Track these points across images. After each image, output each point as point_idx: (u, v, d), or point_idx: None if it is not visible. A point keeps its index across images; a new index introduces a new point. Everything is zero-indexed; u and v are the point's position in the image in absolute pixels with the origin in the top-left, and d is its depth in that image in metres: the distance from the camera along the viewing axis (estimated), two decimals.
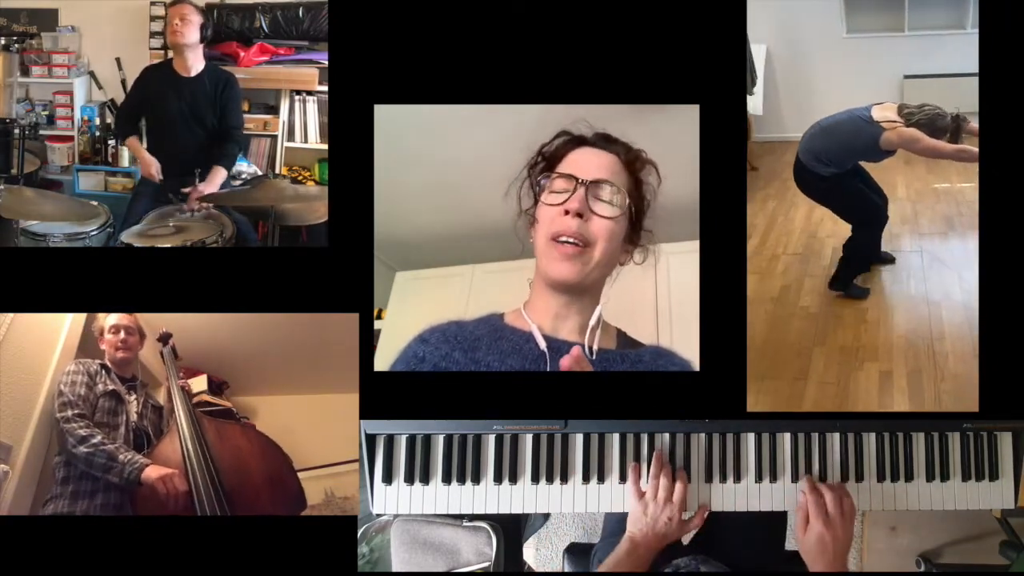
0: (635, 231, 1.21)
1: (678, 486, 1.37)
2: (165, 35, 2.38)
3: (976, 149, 1.87)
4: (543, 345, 1.15)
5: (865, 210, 2.19)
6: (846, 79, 2.82)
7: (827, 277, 2.21)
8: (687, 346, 1.31)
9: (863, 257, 2.24)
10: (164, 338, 2.01)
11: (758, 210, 2.20)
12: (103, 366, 1.77)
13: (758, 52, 2.72)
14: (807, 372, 1.89)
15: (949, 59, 2.70)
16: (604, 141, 1.21)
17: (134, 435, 1.71)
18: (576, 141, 1.21)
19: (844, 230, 2.26)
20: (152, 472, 1.54)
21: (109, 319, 1.82)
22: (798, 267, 2.26)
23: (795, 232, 2.37)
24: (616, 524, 1.63)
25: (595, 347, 1.17)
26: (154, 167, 2.39)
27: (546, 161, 1.22)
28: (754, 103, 2.72)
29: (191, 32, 2.35)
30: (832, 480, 1.43)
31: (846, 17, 2.78)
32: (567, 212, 1.13)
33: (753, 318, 2.08)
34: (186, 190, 2.34)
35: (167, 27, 2.36)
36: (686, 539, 1.46)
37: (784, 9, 2.76)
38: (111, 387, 1.73)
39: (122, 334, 1.81)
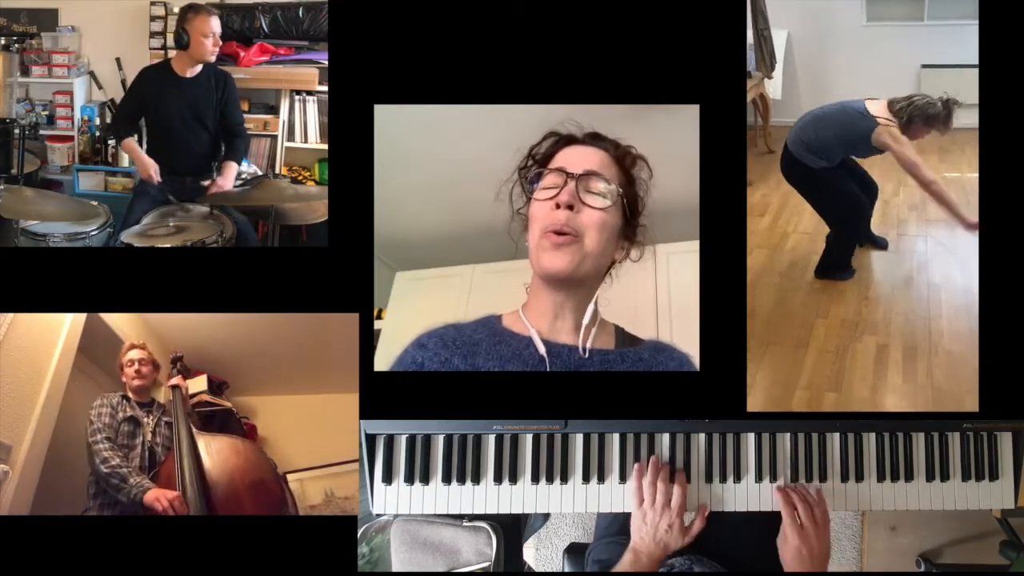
0: (629, 227, 1.21)
1: (676, 491, 1.36)
2: (183, 41, 2.32)
3: (943, 191, 2.02)
4: (542, 350, 1.15)
5: (847, 208, 2.22)
6: (864, 67, 2.87)
7: None
8: (687, 344, 1.30)
9: (843, 253, 2.27)
10: (175, 361, 2.16)
11: (772, 190, 2.31)
12: (124, 397, 1.93)
13: (779, 37, 2.73)
14: (808, 341, 1.97)
15: (967, 50, 2.68)
16: (593, 139, 1.21)
17: (150, 452, 1.88)
18: (565, 140, 1.21)
19: None
20: (151, 495, 1.70)
21: (129, 355, 2.00)
22: (807, 245, 2.34)
23: (806, 212, 2.44)
24: (608, 525, 1.63)
25: (588, 346, 1.17)
26: (152, 169, 2.38)
27: (536, 163, 1.22)
28: (773, 87, 2.74)
29: (217, 44, 2.36)
30: (833, 480, 1.44)
31: (866, 5, 2.82)
32: (558, 206, 1.13)
33: (761, 289, 2.17)
34: (205, 183, 2.39)
35: (189, 38, 2.32)
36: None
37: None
38: (130, 413, 1.91)
39: (136, 366, 1.99)
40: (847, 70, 2.86)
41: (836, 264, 2.26)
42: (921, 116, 2.00)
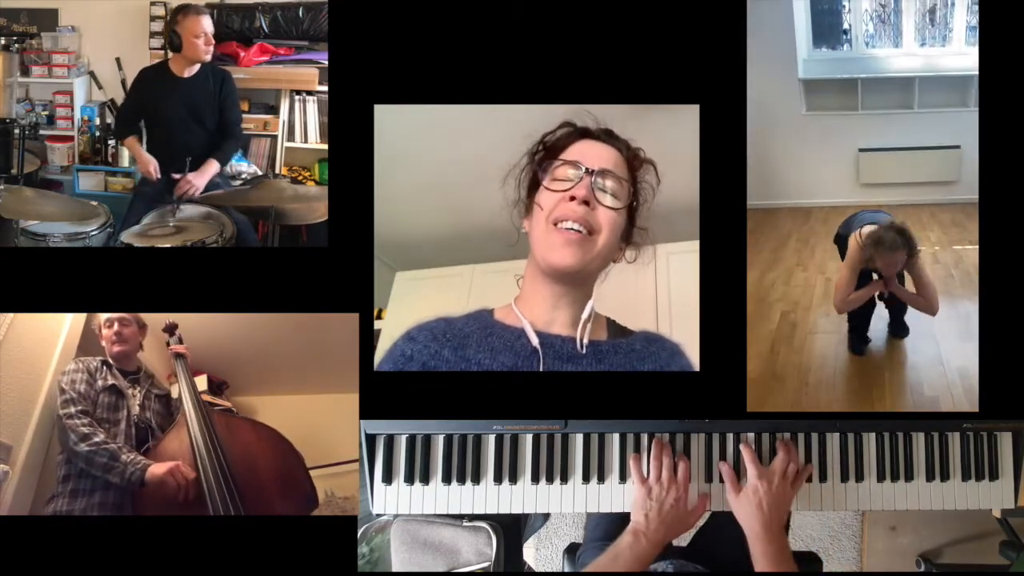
0: (630, 228, 1.21)
1: (682, 465, 1.35)
2: (176, 43, 2.33)
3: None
4: (535, 341, 1.14)
5: None
6: (807, 151, 3.14)
7: (773, 340, 2.21)
8: (686, 342, 1.30)
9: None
10: (170, 328, 2.00)
11: None
12: (104, 362, 1.75)
13: None
14: None
15: (899, 135, 3.08)
16: (607, 136, 1.21)
17: (136, 429, 1.68)
18: (580, 133, 1.21)
19: (793, 293, 2.38)
20: (157, 469, 1.53)
21: (105, 313, 1.80)
22: None
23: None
24: (595, 528, 1.62)
25: (586, 340, 1.17)
26: (152, 165, 2.39)
27: (547, 151, 1.21)
28: None
29: (210, 43, 2.36)
30: (833, 480, 1.44)
31: (805, 97, 3.05)
32: (573, 198, 1.13)
33: None
34: (176, 176, 2.35)
35: (181, 40, 2.33)
36: (683, 540, 1.46)
37: (749, 89, 2.96)
38: (111, 382, 1.71)
39: (116, 326, 1.78)
40: (791, 154, 3.08)
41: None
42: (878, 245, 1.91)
